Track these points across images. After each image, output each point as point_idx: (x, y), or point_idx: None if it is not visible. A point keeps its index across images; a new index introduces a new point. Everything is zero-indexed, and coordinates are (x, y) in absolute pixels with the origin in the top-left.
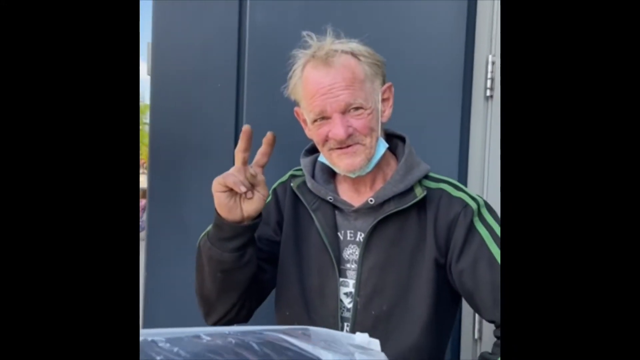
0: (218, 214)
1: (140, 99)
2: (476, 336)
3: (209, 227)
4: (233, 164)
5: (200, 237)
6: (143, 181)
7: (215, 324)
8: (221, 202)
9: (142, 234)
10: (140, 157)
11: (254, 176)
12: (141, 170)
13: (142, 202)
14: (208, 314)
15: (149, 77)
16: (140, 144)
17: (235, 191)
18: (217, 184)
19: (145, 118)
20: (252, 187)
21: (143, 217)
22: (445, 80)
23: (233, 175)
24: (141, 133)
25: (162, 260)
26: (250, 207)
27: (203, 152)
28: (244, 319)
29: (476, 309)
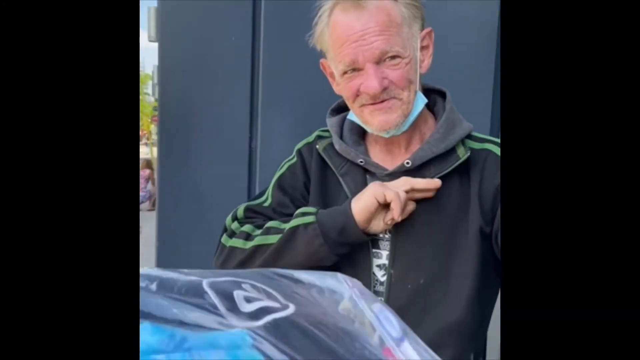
0: (352, 218)
1: (140, 69)
2: None
3: (310, 218)
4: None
5: (298, 221)
6: (144, 152)
7: None
8: (369, 210)
9: (146, 205)
10: (140, 127)
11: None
12: (143, 141)
13: (146, 172)
14: None
15: (148, 45)
16: (140, 114)
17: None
18: (378, 194)
19: (145, 88)
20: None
21: (146, 187)
22: (481, 32)
23: (397, 196)
24: (140, 104)
25: (175, 232)
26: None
27: (216, 115)
28: None
29: None
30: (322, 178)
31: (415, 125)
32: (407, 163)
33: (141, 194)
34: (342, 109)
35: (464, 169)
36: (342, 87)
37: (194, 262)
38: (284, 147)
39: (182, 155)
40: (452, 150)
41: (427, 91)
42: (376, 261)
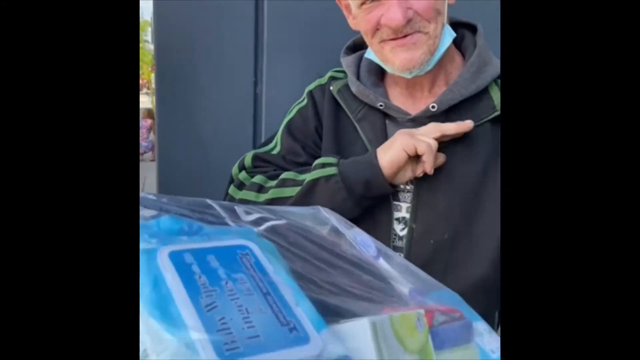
0: (379, 170)
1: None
2: None
3: (332, 170)
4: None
5: (318, 173)
6: (145, 102)
7: None
8: (399, 163)
9: (148, 155)
10: (141, 76)
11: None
12: (144, 91)
13: (147, 122)
14: None
15: None
16: (140, 62)
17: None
18: (408, 146)
19: (144, 35)
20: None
21: (149, 138)
22: None
23: (429, 147)
24: (140, 52)
25: (176, 182)
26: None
27: (218, 59)
28: None
29: None
30: (336, 123)
31: (440, 64)
32: (433, 107)
33: (143, 144)
34: (359, 46)
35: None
36: (359, 20)
37: None
38: (291, 91)
39: (182, 101)
40: (484, 92)
41: (454, 25)
42: (395, 214)
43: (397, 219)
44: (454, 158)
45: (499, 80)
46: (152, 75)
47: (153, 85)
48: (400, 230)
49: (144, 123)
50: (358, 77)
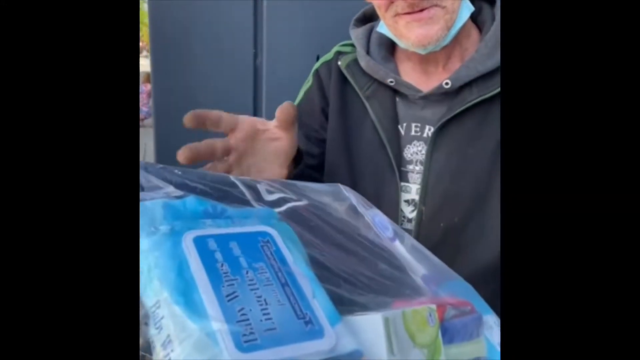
0: None
1: None
2: None
3: None
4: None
5: None
6: (145, 65)
7: None
8: None
9: (149, 121)
10: (141, 39)
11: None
12: (144, 54)
13: (147, 86)
14: None
15: None
16: (140, 24)
17: None
18: None
19: None
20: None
21: (149, 103)
22: None
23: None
24: (140, 13)
25: (174, 148)
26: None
27: (216, 30)
28: None
29: None
30: (343, 100)
31: (456, 39)
32: (447, 84)
33: (144, 109)
34: (369, 18)
35: None
36: None
37: None
38: (293, 64)
39: (179, 73)
40: (498, 70)
41: None
42: (404, 196)
43: (406, 201)
44: (465, 137)
45: None
46: None
47: None
48: (409, 212)
49: (144, 88)
50: (368, 52)
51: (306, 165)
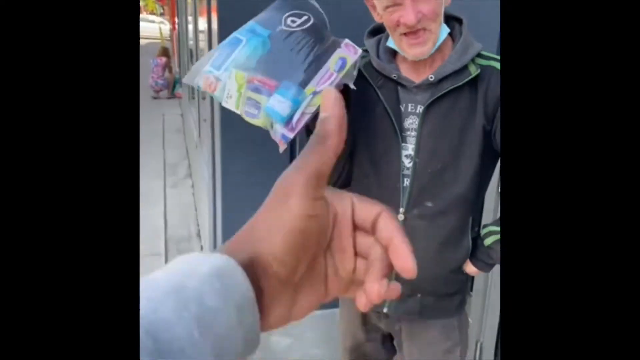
0: None
1: None
2: None
3: None
4: None
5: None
6: (147, 28)
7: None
8: None
9: (165, 92)
10: (145, 7)
11: None
12: (154, 18)
13: (162, 60)
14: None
15: None
16: None
17: None
18: None
19: None
20: None
21: (164, 75)
22: None
23: None
24: None
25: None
26: None
27: None
28: (347, 182)
29: None
30: (361, 93)
31: (438, 48)
32: (431, 77)
33: (160, 82)
34: (377, 31)
35: (473, 81)
36: (384, 19)
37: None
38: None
39: None
40: (465, 68)
41: (447, 17)
42: (404, 152)
43: (406, 156)
44: (443, 112)
45: (475, 58)
46: (156, 7)
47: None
48: (407, 163)
49: (159, 61)
50: (377, 56)
51: None
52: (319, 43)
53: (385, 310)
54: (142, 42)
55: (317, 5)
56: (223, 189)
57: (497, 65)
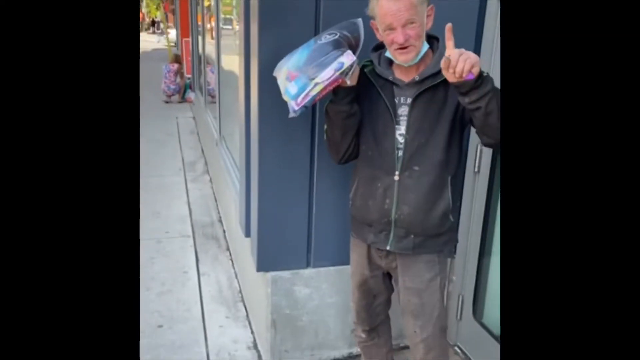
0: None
1: None
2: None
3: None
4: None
5: (325, 106)
6: (150, 37)
7: (340, 161)
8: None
9: (176, 97)
10: (148, 15)
11: None
12: (166, 26)
13: (174, 66)
14: (336, 153)
15: None
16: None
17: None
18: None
19: None
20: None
21: (176, 81)
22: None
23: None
24: None
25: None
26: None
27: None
28: (355, 155)
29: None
30: (367, 90)
31: (422, 58)
32: (416, 78)
33: (171, 87)
34: (378, 47)
35: (445, 81)
36: (383, 38)
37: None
38: None
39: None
40: (439, 71)
41: (429, 36)
42: (397, 131)
43: (399, 134)
44: (425, 103)
45: None
46: (158, 13)
47: (162, 24)
48: (400, 139)
49: (172, 67)
50: (379, 64)
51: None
52: (333, 52)
53: (388, 248)
54: (147, 48)
55: (361, 26)
56: (260, 175)
57: None
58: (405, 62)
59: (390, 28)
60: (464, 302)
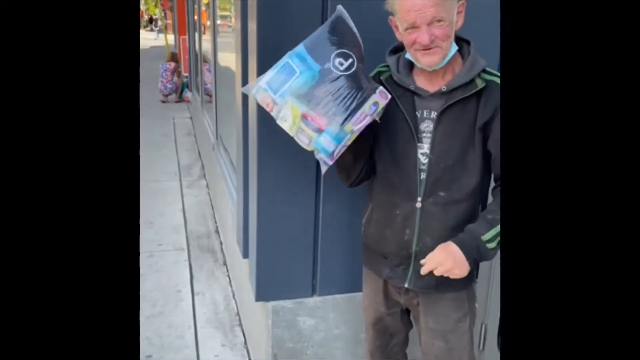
0: None
1: None
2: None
3: None
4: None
5: None
6: (149, 36)
7: (351, 185)
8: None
9: (173, 97)
10: (147, 11)
11: None
12: (161, 24)
13: (171, 65)
14: (347, 178)
15: None
16: None
17: None
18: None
19: None
20: None
21: (173, 80)
22: None
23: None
24: None
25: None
26: None
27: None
28: (368, 177)
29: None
30: None
31: (448, 63)
32: (443, 88)
33: (168, 86)
34: (397, 49)
35: (478, 93)
36: (404, 37)
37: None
38: None
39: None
40: (472, 81)
41: (458, 39)
42: (420, 150)
43: (422, 154)
44: (453, 118)
45: (481, 73)
46: (157, 10)
47: (159, 22)
48: (423, 159)
49: (168, 66)
50: (397, 70)
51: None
52: (360, 91)
53: (406, 285)
54: (145, 46)
55: (357, 34)
56: (259, 188)
57: (498, 80)
58: (429, 65)
59: (414, 26)
60: (487, 331)
